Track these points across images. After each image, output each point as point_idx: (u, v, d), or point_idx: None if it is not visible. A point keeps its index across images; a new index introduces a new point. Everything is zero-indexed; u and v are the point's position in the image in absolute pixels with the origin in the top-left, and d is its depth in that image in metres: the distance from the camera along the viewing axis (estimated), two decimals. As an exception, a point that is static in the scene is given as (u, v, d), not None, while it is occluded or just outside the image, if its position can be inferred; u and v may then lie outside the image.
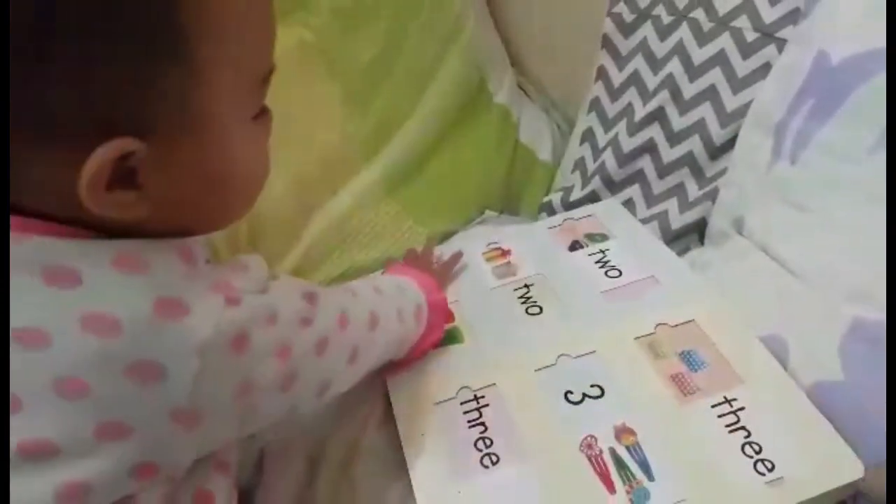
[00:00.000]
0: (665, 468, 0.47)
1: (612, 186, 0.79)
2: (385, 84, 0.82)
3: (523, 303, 0.63)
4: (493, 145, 0.90)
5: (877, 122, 0.50)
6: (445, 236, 0.82)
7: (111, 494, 0.34)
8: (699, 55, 0.72)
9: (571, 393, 0.53)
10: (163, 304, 0.33)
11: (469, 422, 0.52)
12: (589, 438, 0.49)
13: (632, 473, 0.47)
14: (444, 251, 0.71)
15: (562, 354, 0.56)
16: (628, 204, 0.77)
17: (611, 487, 0.46)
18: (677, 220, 0.73)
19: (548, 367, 0.55)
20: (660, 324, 0.57)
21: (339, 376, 0.45)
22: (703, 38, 0.72)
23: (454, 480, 0.49)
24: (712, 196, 0.70)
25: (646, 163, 0.77)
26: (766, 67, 0.67)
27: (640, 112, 0.76)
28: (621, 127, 0.79)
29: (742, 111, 0.68)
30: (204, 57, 0.33)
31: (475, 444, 0.51)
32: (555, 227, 0.73)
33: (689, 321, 0.57)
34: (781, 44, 0.66)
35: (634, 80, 0.79)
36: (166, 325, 0.33)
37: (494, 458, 0.50)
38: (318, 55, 0.77)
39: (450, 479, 0.49)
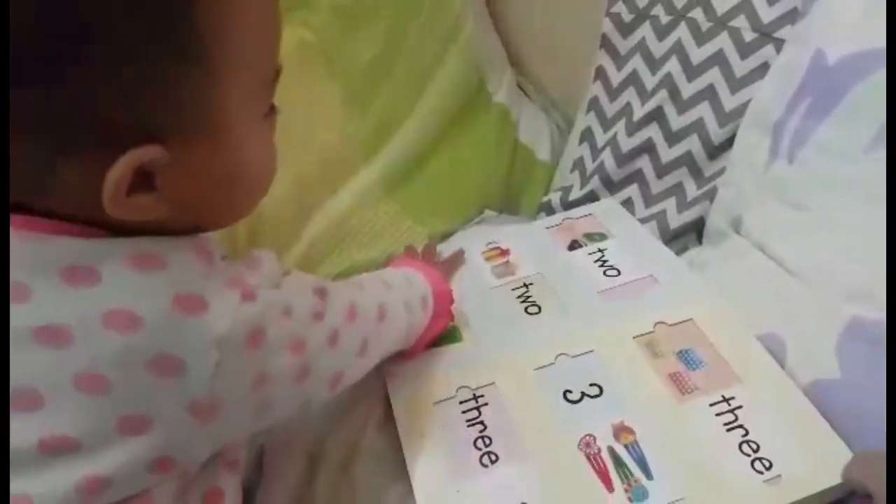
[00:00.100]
0: (663, 467, 0.47)
1: (611, 186, 0.79)
2: (385, 84, 0.82)
3: (522, 302, 0.63)
4: (493, 145, 0.90)
5: (874, 121, 0.50)
6: (444, 236, 0.82)
7: (130, 488, 0.35)
8: (697, 55, 0.72)
9: (570, 392, 0.53)
10: (182, 301, 0.34)
11: (468, 421, 0.52)
12: (587, 437, 0.50)
13: (630, 472, 0.47)
14: (443, 250, 0.71)
15: (560, 353, 0.56)
16: (627, 203, 0.77)
17: (609, 486, 0.47)
18: (676, 220, 0.73)
19: (546, 366, 0.56)
20: (658, 323, 0.57)
21: (351, 367, 0.46)
22: (701, 38, 0.72)
23: (453, 479, 0.49)
24: (710, 196, 0.70)
25: (644, 162, 0.77)
26: (764, 67, 0.67)
27: (639, 112, 0.77)
28: (620, 127, 0.79)
29: (740, 111, 0.68)
30: (221, 58, 0.33)
31: (474, 444, 0.51)
32: (554, 226, 0.74)
33: (688, 320, 0.57)
34: (779, 44, 0.66)
35: (633, 79, 0.79)
36: (185, 321, 0.34)
37: (493, 457, 0.50)
38: (318, 55, 0.77)
39: (449, 479, 0.49)
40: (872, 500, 0.40)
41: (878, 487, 0.40)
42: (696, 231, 0.72)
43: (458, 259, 0.69)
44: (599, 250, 0.68)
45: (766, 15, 0.68)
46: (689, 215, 0.72)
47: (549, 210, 0.83)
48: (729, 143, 0.69)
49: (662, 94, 0.74)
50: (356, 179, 0.79)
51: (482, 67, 0.91)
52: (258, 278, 0.38)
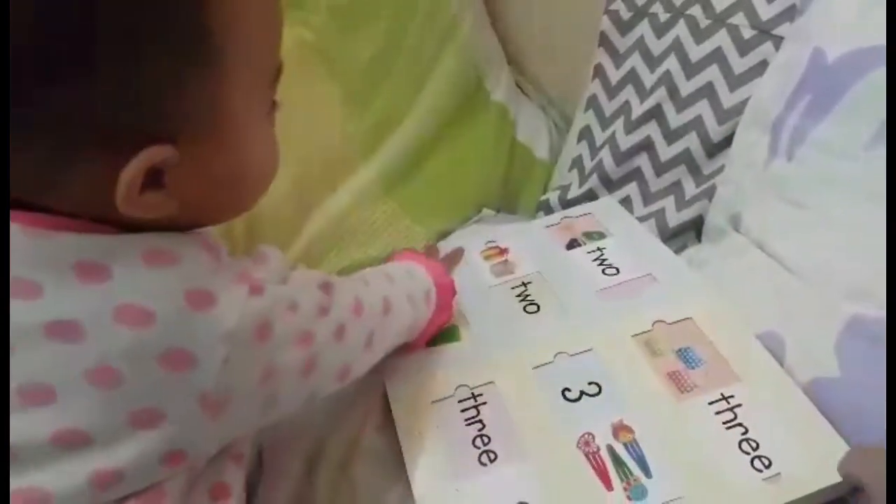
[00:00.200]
0: (662, 465, 0.47)
1: (610, 184, 0.79)
2: (384, 83, 0.82)
3: (521, 301, 0.63)
4: (491, 144, 0.90)
5: (874, 119, 0.50)
6: (443, 235, 0.82)
7: (142, 481, 0.35)
8: (696, 52, 0.72)
9: (569, 390, 0.53)
10: (192, 296, 0.34)
11: (467, 420, 0.52)
12: (586, 436, 0.50)
13: (629, 470, 0.47)
14: (442, 249, 0.71)
15: (559, 352, 0.56)
16: (626, 202, 0.77)
17: (608, 484, 0.46)
18: (674, 218, 0.73)
19: (545, 364, 0.55)
20: (657, 321, 0.57)
21: (358, 361, 0.47)
22: (700, 36, 0.72)
23: (452, 478, 0.49)
24: (709, 194, 0.70)
25: (643, 161, 0.77)
26: (762, 65, 0.67)
27: (638, 110, 0.76)
28: (618, 125, 0.79)
29: (739, 108, 0.68)
30: (227, 56, 0.34)
31: (473, 442, 0.51)
32: (552, 225, 0.73)
33: (687, 319, 0.57)
34: (778, 41, 0.66)
35: (632, 77, 0.79)
36: (195, 316, 0.34)
37: (492, 456, 0.50)
38: (317, 55, 0.77)
39: (448, 477, 0.49)
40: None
41: (874, 482, 0.40)
42: (695, 229, 0.72)
43: (458, 254, 0.69)
44: (598, 249, 0.68)
45: (765, 12, 0.68)
46: (688, 213, 0.72)
47: (547, 209, 0.83)
48: (728, 141, 0.69)
49: (661, 92, 0.74)
50: (355, 178, 0.79)
51: (480, 66, 0.91)
52: (265, 273, 0.39)
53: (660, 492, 0.46)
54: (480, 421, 0.52)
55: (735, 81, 0.69)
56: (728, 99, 0.70)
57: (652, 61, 0.77)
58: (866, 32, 0.52)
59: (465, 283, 0.64)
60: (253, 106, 0.37)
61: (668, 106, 0.74)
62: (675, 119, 0.73)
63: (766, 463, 0.46)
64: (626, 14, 0.80)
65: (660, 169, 0.75)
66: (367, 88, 0.81)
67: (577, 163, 0.84)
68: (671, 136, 0.74)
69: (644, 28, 0.78)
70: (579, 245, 0.69)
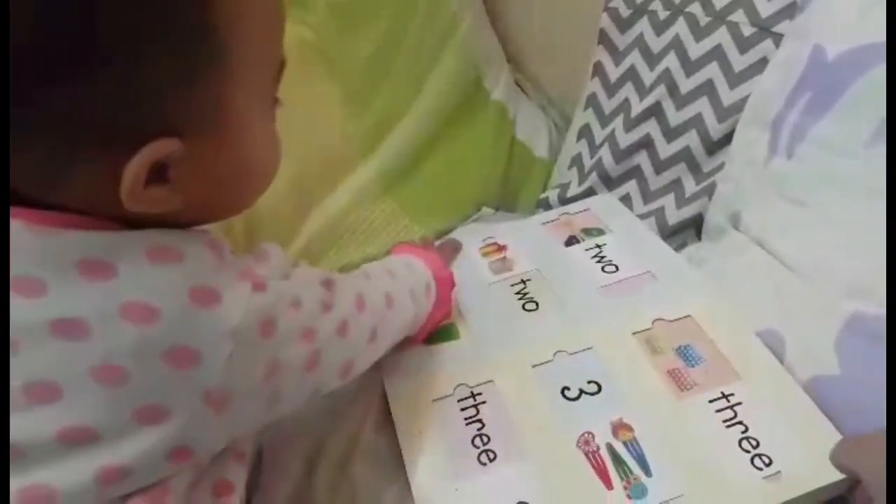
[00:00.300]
0: (662, 464, 0.47)
1: (609, 183, 0.79)
2: (384, 83, 0.82)
3: (520, 298, 0.63)
4: (490, 142, 0.90)
5: (874, 117, 0.50)
6: (442, 234, 0.82)
7: (148, 477, 0.35)
8: (696, 50, 0.72)
9: (568, 389, 0.53)
10: (197, 293, 0.34)
11: (466, 419, 0.52)
12: (586, 434, 0.49)
13: (629, 469, 0.47)
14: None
15: (559, 351, 0.56)
16: (625, 200, 0.77)
17: (608, 483, 0.46)
18: (674, 216, 0.73)
19: (545, 363, 0.55)
20: (657, 319, 0.57)
21: (361, 357, 0.47)
22: (699, 33, 0.72)
23: (452, 478, 0.49)
24: (709, 191, 0.70)
25: (642, 159, 0.77)
26: (762, 62, 0.67)
27: (637, 108, 0.76)
28: (618, 123, 0.79)
29: (739, 106, 0.68)
30: (232, 54, 0.34)
31: (472, 442, 0.51)
32: (551, 221, 0.73)
33: (686, 316, 0.57)
34: (778, 38, 0.66)
35: (631, 75, 0.79)
36: (200, 313, 0.34)
37: (492, 455, 0.50)
38: (317, 54, 0.77)
39: (447, 477, 0.49)
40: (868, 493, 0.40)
41: (868, 472, 0.39)
42: (694, 227, 0.72)
43: (455, 246, 0.70)
44: (597, 246, 0.67)
45: (765, 9, 0.67)
46: (688, 211, 0.72)
47: (546, 207, 0.83)
48: (727, 138, 0.69)
49: (661, 90, 0.74)
50: (354, 177, 0.79)
51: (479, 65, 0.91)
52: (267, 270, 0.39)
53: (660, 490, 0.45)
54: (480, 420, 0.52)
55: (735, 79, 0.69)
56: (728, 96, 0.69)
57: (651, 59, 0.76)
58: (866, 30, 0.52)
59: (463, 280, 0.64)
60: (256, 103, 0.37)
61: (668, 103, 0.74)
62: (674, 117, 0.73)
63: (767, 461, 0.46)
64: (625, 11, 0.80)
65: (659, 167, 0.75)
66: (366, 88, 0.81)
67: (577, 161, 0.84)
68: (671, 133, 0.74)
69: (643, 25, 0.78)
70: (578, 242, 0.69)
